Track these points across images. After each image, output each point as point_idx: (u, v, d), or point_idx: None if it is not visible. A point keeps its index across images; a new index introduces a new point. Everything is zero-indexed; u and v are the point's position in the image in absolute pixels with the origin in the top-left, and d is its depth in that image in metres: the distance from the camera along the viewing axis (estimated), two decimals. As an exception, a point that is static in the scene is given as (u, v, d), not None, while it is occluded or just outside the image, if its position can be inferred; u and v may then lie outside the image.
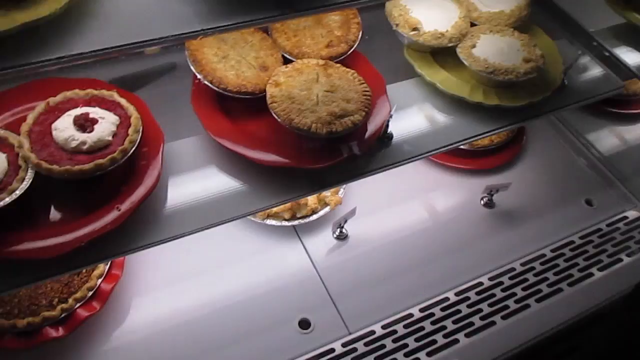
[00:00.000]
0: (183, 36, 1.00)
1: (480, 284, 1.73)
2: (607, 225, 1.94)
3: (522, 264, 1.79)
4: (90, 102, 1.25)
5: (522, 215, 1.94)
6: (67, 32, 0.95)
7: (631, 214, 2.00)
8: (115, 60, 1.62)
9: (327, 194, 1.77)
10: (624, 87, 2.16)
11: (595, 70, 1.80)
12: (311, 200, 1.73)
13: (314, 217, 1.74)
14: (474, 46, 1.59)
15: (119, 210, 1.15)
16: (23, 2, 0.92)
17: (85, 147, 1.15)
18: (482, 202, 1.96)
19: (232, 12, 1.04)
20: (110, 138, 1.18)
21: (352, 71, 1.42)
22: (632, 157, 2.23)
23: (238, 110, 1.40)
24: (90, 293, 1.50)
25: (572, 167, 2.16)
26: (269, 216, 1.71)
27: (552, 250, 1.84)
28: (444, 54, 1.62)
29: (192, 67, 1.33)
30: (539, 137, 2.21)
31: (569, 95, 1.66)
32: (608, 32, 1.91)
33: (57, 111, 1.21)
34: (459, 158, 2.02)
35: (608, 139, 2.29)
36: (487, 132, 1.53)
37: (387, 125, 1.40)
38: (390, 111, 1.39)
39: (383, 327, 1.62)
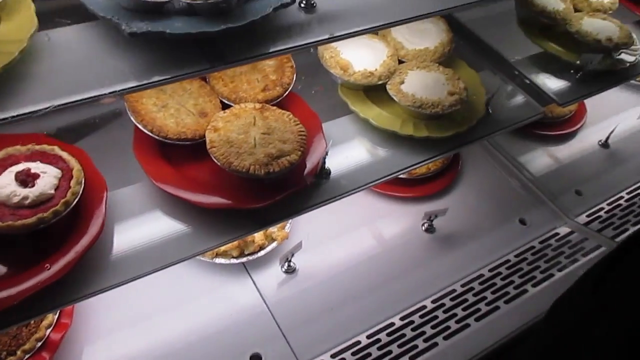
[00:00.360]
0: (119, 93, 1.05)
1: (424, 307, 1.81)
2: (540, 243, 2.06)
3: (462, 285, 1.88)
4: (31, 157, 1.28)
5: (461, 238, 2.04)
6: (3, 94, 0.98)
7: (562, 230, 2.13)
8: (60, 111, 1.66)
9: (273, 229, 1.84)
10: (545, 111, 2.33)
11: (518, 98, 1.93)
12: (258, 236, 1.79)
13: (262, 253, 1.80)
14: (402, 82, 1.70)
15: (48, 268, 1.17)
16: (-41, 68, 0.96)
17: (27, 201, 1.18)
18: (423, 227, 2.06)
19: (166, 66, 1.10)
20: (52, 191, 1.21)
21: (288, 113, 1.50)
22: (560, 175, 2.38)
23: (180, 155, 1.45)
24: (39, 344, 1.50)
25: (505, 189, 2.28)
26: (217, 255, 1.75)
27: (490, 270, 1.94)
28: (376, 90, 1.72)
29: (132, 118, 1.39)
30: (474, 162, 2.34)
31: (493, 123, 1.78)
32: (528, 61, 2.04)
33: (-2, 167, 1.24)
34: (399, 187, 2.12)
35: (538, 160, 2.44)
36: (419, 163, 1.63)
37: (324, 162, 1.48)
38: (326, 148, 1.47)
39: (332, 356, 1.67)
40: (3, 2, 1.05)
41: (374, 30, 1.30)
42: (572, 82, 1.97)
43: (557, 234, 2.11)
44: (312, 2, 1.28)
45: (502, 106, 1.86)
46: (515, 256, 1.99)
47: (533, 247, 2.04)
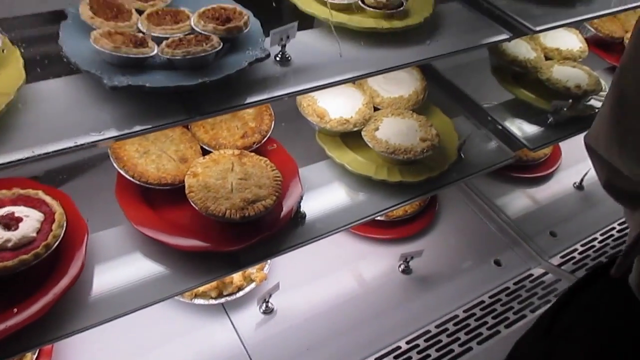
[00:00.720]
0: (100, 142, 1.11)
1: (399, 347, 1.84)
2: (514, 284, 2.11)
3: (437, 326, 1.92)
4: (16, 201, 1.33)
5: (437, 279, 2.09)
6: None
7: (536, 271, 2.18)
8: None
9: (252, 270, 1.88)
10: (519, 155, 2.41)
11: (490, 143, 2.01)
12: (236, 277, 1.83)
13: (241, 293, 1.83)
14: (377, 129, 1.78)
15: (15, 312, 1.21)
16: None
17: (10, 244, 1.23)
18: (399, 269, 2.10)
19: (146, 117, 1.16)
20: (34, 234, 1.26)
21: (265, 159, 1.57)
22: (535, 217, 2.44)
23: (161, 200, 1.51)
24: (18, 384, 1.53)
25: (482, 230, 2.34)
26: (196, 295, 1.79)
27: (465, 311, 1.98)
28: (352, 135, 1.80)
29: (114, 164, 1.45)
30: (451, 204, 2.41)
31: (465, 167, 1.85)
32: (501, 108, 2.14)
33: (-17, 211, 1.29)
34: (378, 229, 2.17)
35: (514, 202, 2.51)
36: (392, 207, 1.69)
37: (299, 206, 1.54)
38: (301, 193, 1.54)
39: (309, 397, 1.70)
40: (-7, 57, 1.13)
41: (346, 82, 1.38)
42: (543, 127, 2.05)
43: (531, 274, 2.16)
44: (287, 55, 1.36)
45: (475, 151, 1.93)
46: (490, 297, 2.04)
47: (507, 288, 2.09)
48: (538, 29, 1.68)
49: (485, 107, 2.11)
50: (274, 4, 1.57)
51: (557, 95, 2.08)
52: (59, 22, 1.26)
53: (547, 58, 2.25)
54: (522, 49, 2.19)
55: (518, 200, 2.53)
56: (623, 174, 0.92)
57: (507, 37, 1.65)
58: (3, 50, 1.15)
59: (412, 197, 1.73)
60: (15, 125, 1.09)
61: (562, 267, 2.21)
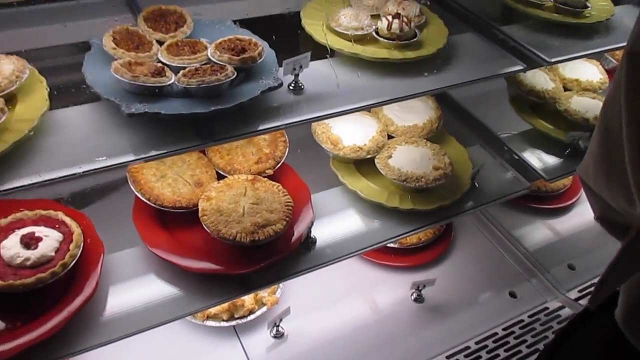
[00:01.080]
0: (117, 166, 1.16)
1: (409, 377, 1.83)
2: (529, 317, 2.07)
3: (447, 357, 1.90)
4: (37, 221, 1.40)
5: (450, 309, 2.07)
6: (12, 166, 1.10)
7: (552, 305, 2.14)
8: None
9: (264, 294, 1.90)
10: (537, 186, 2.40)
11: (505, 173, 2.02)
12: (248, 300, 1.85)
13: (252, 317, 1.86)
14: (390, 157, 1.81)
15: (30, 327, 1.26)
16: (-25, 143, 1.08)
17: (29, 263, 1.28)
18: (412, 297, 2.10)
19: (161, 142, 1.21)
20: (53, 253, 1.32)
21: (278, 184, 1.60)
22: (553, 249, 2.40)
23: (176, 222, 1.56)
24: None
25: (497, 261, 2.32)
26: (208, 317, 1.82)
27: (477, 343, 1.96)
28: (366, 162, 1.83)
29: (132, 187, 1.50)
30: (466, 232, 2.40)
31: (479, 197, 1.85)
32: (518, 138, 2.14)
33: (6, 231, 1.36)
34: (391, 256, 2.18)
35: (531, 232, 2.48)
36: (403, 234, 1.70)
37: (310, 231, 1.57)
38: (312, 218, 1.56)
39: (317, 423, 1.70)
40: (20, 85, 1.20)
41: (358, 111, 1.42)
42: (560, 158, 2.05)
43: (547, 308, 2.12)
44: (300, 84, 1.40)
45: (489, 180, 1.93)
46: (503, 329, 2.01)
47: (522, 320, 2.05)
48: (553, 60, 1.70)
49: (501, 137, 2.12)
50: (291, 34, 1.64)
51: (576, 126, 2.07)
52: (84, 52, 1.33)
53: (566, 89, 2.25)
54: (540, 79, 2.20)
55: (536, 232, 2.50)
56: (614, 208, 0.91)
57: (522, 68, 1.66)
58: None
59: (424, 225, 1.73)
60: (37, 149, 1.15)
61: (580, 302, 2.17)
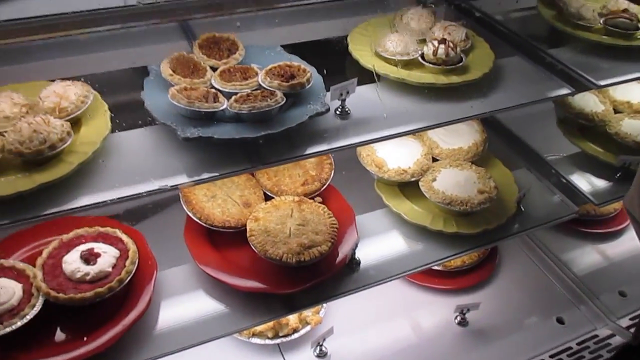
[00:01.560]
0: (173, 188, 1.22)
1: (451, 402, 1.81)
2: (577, 344, 2.02)
3: (493, 383, 1.88)
4: (96, 238, 1.47)
5: (494, 334, 2.04)
6: (77, 186, 1.17)
7: (602, 332, 2.09)
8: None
9: (308, 313, 1.93)
10: (586, 210, 2.34)
11: (552, 197, 1.99)
12: (292, 319, 1.88)
13: (296, 335, 1.88)
14: (434, 180, 1.82)
15: (86, 340, 1.33)
16: (43, 164, 1.16)
17: (88, 277, 1.36)
18: (455, 320, 2.08)
19: (213, 165, 1.27)
20: (110, 269, 1.39)
21: (323, 206, 1.64)
22: (603, 275, 2.34)
23: (225, 241, 1.61)
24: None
25: (544, 286, 2.27)
26: (253, 335, 1.85)
27: (523, 369, 1.93)
28: (410, 185, 1.84)
29: (184, 206, 1.57)
30: (512, 256, 2.37)
31: (525, 221, 1.84)
32: (566, 161, 2.11)
33: (68, 246, 1.44)
34: (435, 278, 2.17)
35: (580, 257, 2.42)
36: (447, 257, 1.71)
37: (354, 253, 1.59)
38: (357, 240, 1.59)
39: None
40: (86, 109, 1.28)
41: (403, 135, 1.44)
42: (610, 182, 2.01)
43: (596, 335, 2.07)
44: (347, 109, 1.43)
45: (536, 205, 1.91)
46: (550, 356, 1.97)
47: (570, 348, 2.00)
48: (602, 83, 1.67)
49: (548, 160, 2.09)
50: (338, 59, 1.68)
51: (627, 149, 2.03)
52: (141, 76, 1.41)
53: (616, 111, 2.21)
54: (589, 101, 2.17)
55: (585, 256, 2.44)
56: None
57: (569, 91, 1.65)
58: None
59: (468, 248, 1.73)
60: (99, 170, 1.22)
61: (631, 330, 2.10)
